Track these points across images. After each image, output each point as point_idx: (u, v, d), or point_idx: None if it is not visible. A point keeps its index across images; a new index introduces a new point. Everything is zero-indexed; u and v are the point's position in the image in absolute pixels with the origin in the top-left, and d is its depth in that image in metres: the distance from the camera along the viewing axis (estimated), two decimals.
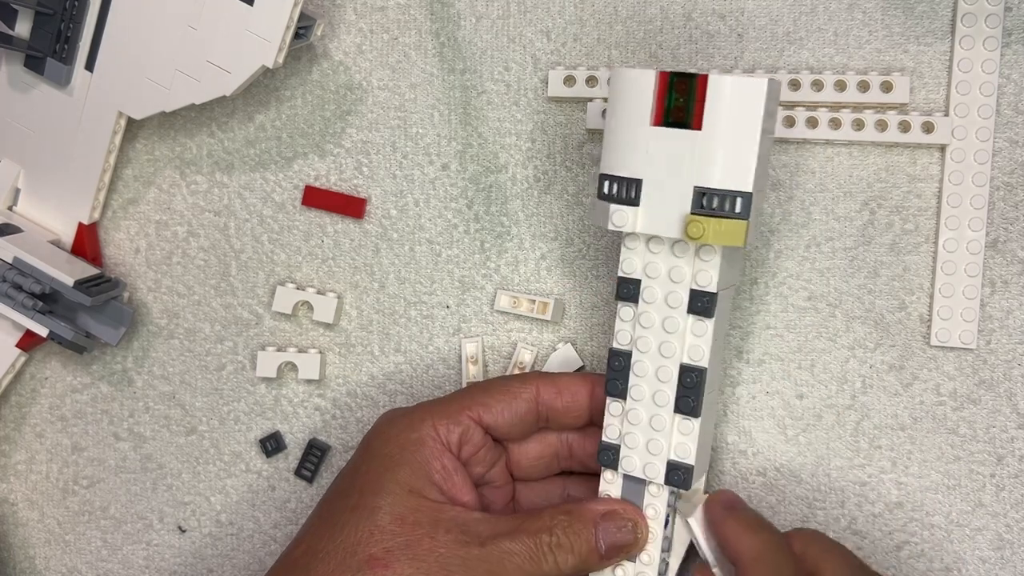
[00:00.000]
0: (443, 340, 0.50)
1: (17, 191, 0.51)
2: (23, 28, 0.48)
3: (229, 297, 0.52)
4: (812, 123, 0.45)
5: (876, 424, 0.46)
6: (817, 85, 0.45)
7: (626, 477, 0.42)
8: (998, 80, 0.44)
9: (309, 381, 0.51)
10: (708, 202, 0.38)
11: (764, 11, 0.46)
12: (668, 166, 0.38)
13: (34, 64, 0.48)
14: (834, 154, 0.46)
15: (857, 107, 0.45)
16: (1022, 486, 0.45)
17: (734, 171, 0.37)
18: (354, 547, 0.39)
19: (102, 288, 0.49)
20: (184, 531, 0.53)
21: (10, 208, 0.51)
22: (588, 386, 0.43)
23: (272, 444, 0.51)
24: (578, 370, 0.48)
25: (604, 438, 0.42)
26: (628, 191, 0.39)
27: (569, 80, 0.47)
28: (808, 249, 0.46)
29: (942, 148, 0.45)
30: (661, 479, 0.41)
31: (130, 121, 0.49)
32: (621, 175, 0.39)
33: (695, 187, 0.38)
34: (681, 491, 0.41)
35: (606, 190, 0.40)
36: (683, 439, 0.40)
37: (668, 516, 0.41)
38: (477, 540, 0.39)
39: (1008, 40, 0.44)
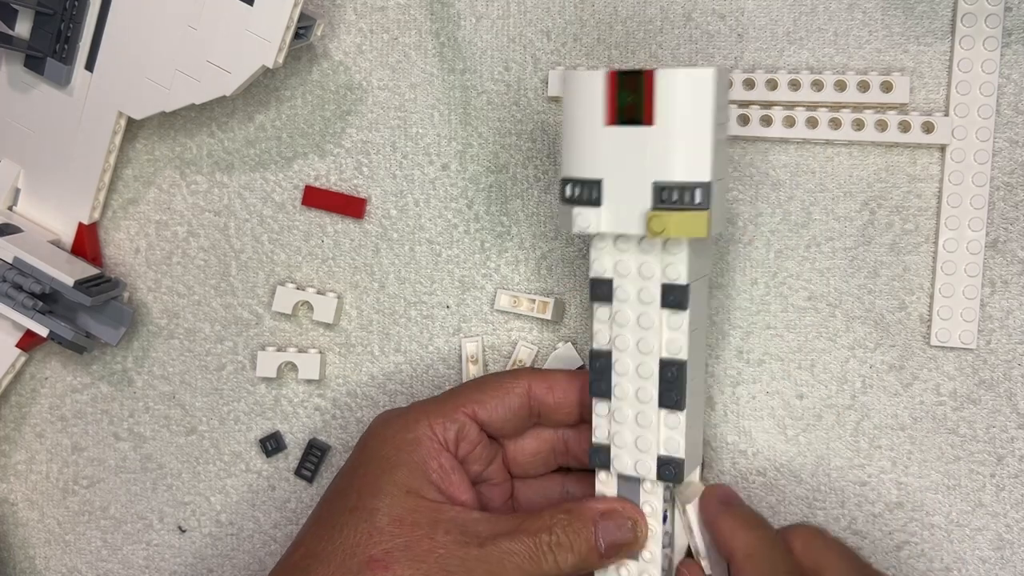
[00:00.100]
0: (443, 340, 0.50)
1: (17, 191, 0.51)
2: (23, 28, 0.48)
3: (229, 297, 0.52)
4: (812, 123, 0.45)
5: (876, 424, 0.46)
6: (817, 85, 0.45)
7: (620, 476, 0.42)
8: (998, 80, 0.44)
9: (309, 381, 0.51)
10: (668, 196, 0.38)
11: (764, 11, 0.46)
12: (626, 164, 0.38)
13: (34, 64, 0.48)
14: (834, 154, 0.46)
15: (857, 107, 0.45)
16: (1022, 486, 0.45)
17: (690, 163, 0.37)
18: (353, 549, 0.39)
19: (102, 288, 0.49)
20: (184, 531, 0.53)
21: (10, 208, 0.51)
22: (579, 384, 0.43)
23: (272, 444, 0.51)
24: (578, 369, 0.48)
25: (594, 439, 0.42)
26: (589, 192, 0.39)
27: None
28: (808, 249, 0.46)
29: (942, 148, 0.45)
30: (653, 475, 0.41)
31: (130, 121, 0.49)
32: (581, 177, 0.39)
33: (654, 182, 0.38)
34: (676, 485, 0.41)
35: (568, 193, 0.40)
36: (671, 433, 0.40)
37: (666, 512, 0.41)
38: (476, 540, 0.39)
39: (1008, 40, 0.44)
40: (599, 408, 0.42)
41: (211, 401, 0.52)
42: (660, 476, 0.40)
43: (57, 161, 0.50)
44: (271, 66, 0.45)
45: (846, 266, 0.46)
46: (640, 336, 0.40)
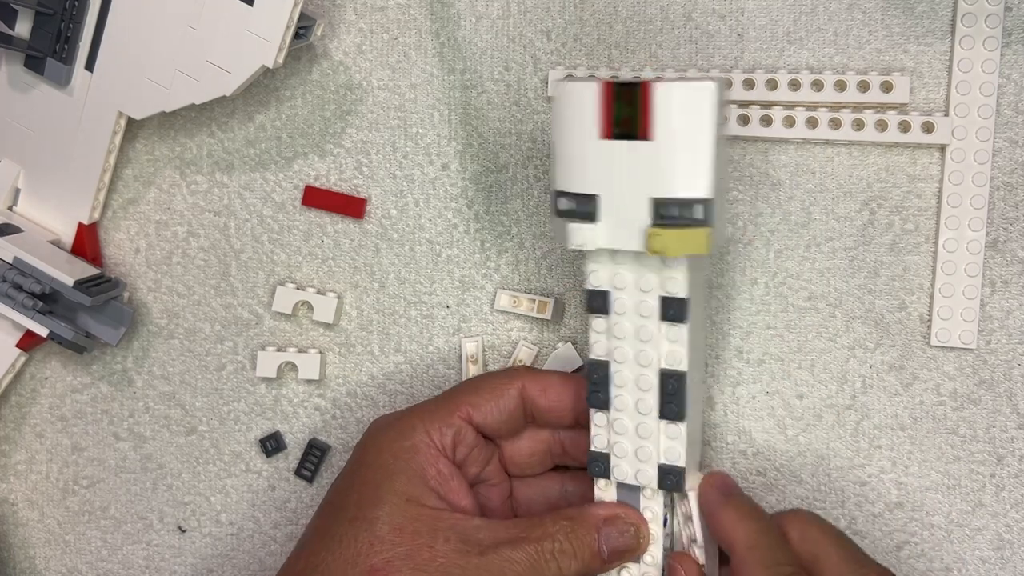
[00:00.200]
0: (443, 340, 0.50)
1: (17, 191, 0.51)
2: (23, 28, 0.48)
3: (229, 297, 0.52)
4: (812, 123, 0.45)
5: (876, 424, 0.46)
6: (817, 85, 0.45)
7: (619, 483, 0.41)
8: (998, 80, 0.44)
9: (309, 381, 0.51)
10: (667, 212, 0.37)
11: (764, 11, 0.46)
12: (623, 179, 0.37)
13: (34, 64, 0.48)
14: (834, 154, 0.46)
15: (857, 107, 0.45)
16: (1022, 486, 0.45)
17: (691, 179, 0.36)
18: (354, 559, 0.39)
19: (102, 288, 0.49)
20: (184, 531, 0.53)
21: (10, 208, 0.51)
22: (574, 388, 0.43)
23: (272, 444, 0.51)
24: (578, 369, 0.48)
25: (592, 448, 0.41)
26: (585, 207, 0.38)
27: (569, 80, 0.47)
28: (808, 249, 0.46)
29: (942, 148, 0.45)
30: (654, 484, 0.40)
31: (130, 121, 0.49)
32: (576, 192, 0.38)
33: (652, 198, 0.37)
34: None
35: (562, 207, 0.39)
36: (671, 443, 0.40)
37: (666, 516, 0.41)
38: (477, 549, 0.39)
39: (1008, 40, 0.44)
40: (597, 418, 0.41)
41: (211, 401, 0.52)
42: (661, 485, 0.40)
43: (57, 161, 0.50)
44: (271, 66, 0.45)
45: (846, 266, 0.46)
46: (639, 348, 0.39)
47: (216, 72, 0.45)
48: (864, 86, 0.44)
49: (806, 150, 0.46)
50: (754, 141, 0.46)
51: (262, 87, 0.50)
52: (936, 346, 0.45)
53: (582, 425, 0.43)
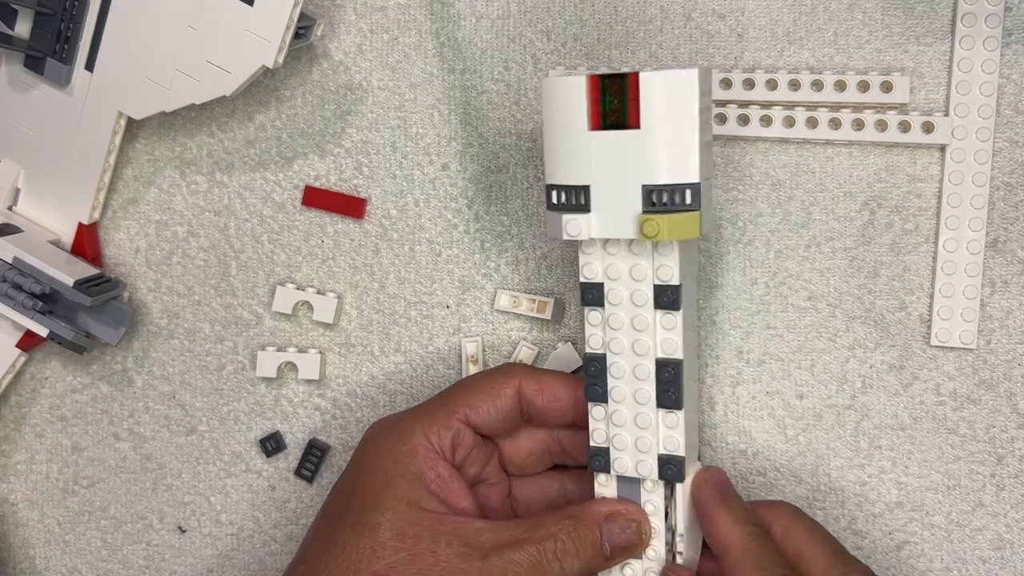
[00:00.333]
0: (443, 340, 0.50)
1: (17, 191, 0.51)
2: (23, 28, 0.48)
3: (229, 297, 0.52)
4: (812, 123, 0.45)
5: (876, 424, 0.46)
6: (817, 85, 0.45)
7: (620, 477, 0.42)
8: (998, 80, 0.44)
9: (309, 381, 0.51)
10: (658, 198, 0.38)
11: (764, 11, 0.46)
12: (613, 168, 0.38)
13: (34, 64, 0.48)
14: (834, 154, 0.46)
15: (857, 107, 0.45)
16: (1022, 486, 0.45)
17: (679, 164, 0.37)
18: (357, 565, 0.39)
19: (102, 288, 0.49)
20: (184, 531, 0.53)
21: (10, 208, 0.51)
22: (571, 389, 0.43)
23: (272, 444, 0.51)
24: (577, 369, 0.48)
25: (592, 443, 0.42)
26: (577, 198, 0.39)
27: None
28: (808, 249, 0.46)
29: (942, 148, 0.45)
30: (655, 475, 0.41)
31: (130, 121, 0.49)
32: (567, 184, 0.39)
33: (643, 185, 0.38)
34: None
35: (555, 200, 0.40)
36: (670, 432, 0.40)
37: (667, 509, 0.41)
38: (479, 552, 0.39)
39: (1008, 40, 0.44)
40: (595, 412, 0.41)
41: (211, 401, 0.52)
42: (662, 475, 0.41)
43: (57, 161, 0.50)
44: (271, 66, 0.45)
45: (846, 266, 0.46)
46: (635, 338, 0.40)
47: (216, 72, 0.45)
48: (864, 86, 0.44)
49: (806, 150, 0.46)
50: (754, 141, 0.46)
51: (262, 87, 0.50)
52: (936, 346, 0.45)
53: (579, 425, 0.43)
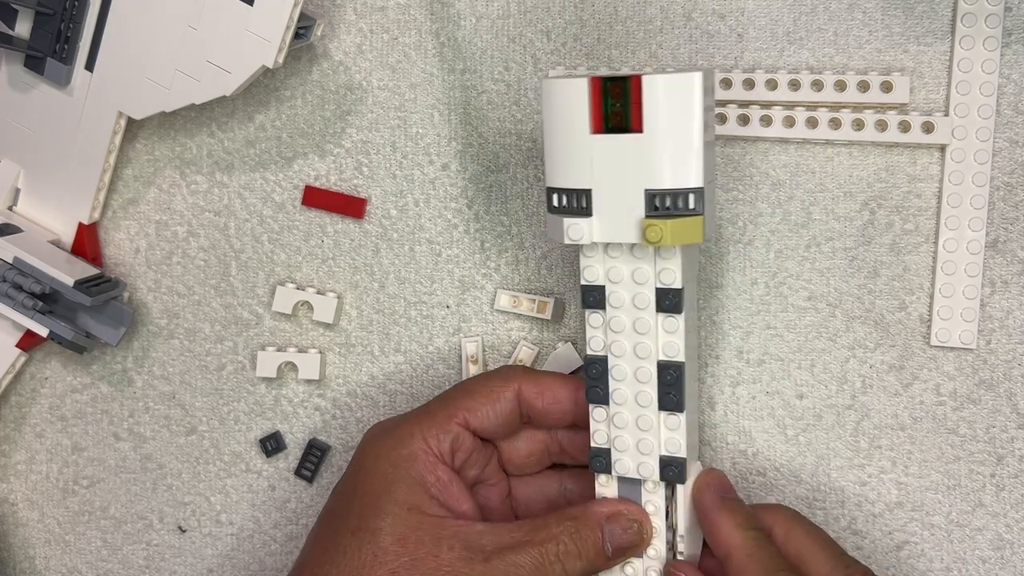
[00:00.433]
0: (443, 340, 0.50)
1: (17, 191, 0.51)
2: (23, 28, 0.48)
3: (229, 297, 0.52)
4: (812, 123, 0.45)
5: (876, 424, 0.46)
6: (817, 85, 0.45)
7: (621, 478, 0.42)
8: (998, 80, 0.44)
9: (309, 381, 0.51)
10: (661, 203, 0.37)
11: (764, 11, 0.46)
12: (615, 172, 0.38)
13: (34, 64, 0.48)
14: (834, 154, 0.46)
15: (857, 107, 0.45)
16: (1022, 486, 0.45)
17: (682, 169, 0.37)
18: (359, 571, 0.39)
19: (102, 288, 0.49)
20: (184, 531, 0.53)
21: (10, 208, 0.51)
22: (571, 391, 0.43)
23: (272, 444, 0.51)
24: (577, 369, 0.48)
25: (593, 444, 0.42)
26: (579, 202, 0.39)
27: None
28: (808, 249, 0.46)
29: (942, 148, 0.45)
30: (656, 476, 0.41)
31: (130, 121, 0.49)
32: (569, 187, 0.39)
33: (646, 190, 0.37)
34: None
35: (556, 203, 0.39)
36: (672, 434, 0.40)
37: (668, 509, 0.41)
38: (481, 555, 0.39)
39: (1008, 40, 0.44)
40: (596, 413, 0.41)
41: (211, 401, 0.52)
42: (663, 477, 0.41)
43: (57, 161, 0.50)
44: (271, 66, 0.45)
45: (846, 266, 0.46)
46: (637, 341, 0.40)
47: (216, 72, 0.45)
48: (864, 86, 0.44)
49: (806, 150, 0.46)
50: (754, 141, 0.46)
51: (262, 87, 0.50)
52: (936, 346, 0.45)
53: (579, 426, 0.43)
